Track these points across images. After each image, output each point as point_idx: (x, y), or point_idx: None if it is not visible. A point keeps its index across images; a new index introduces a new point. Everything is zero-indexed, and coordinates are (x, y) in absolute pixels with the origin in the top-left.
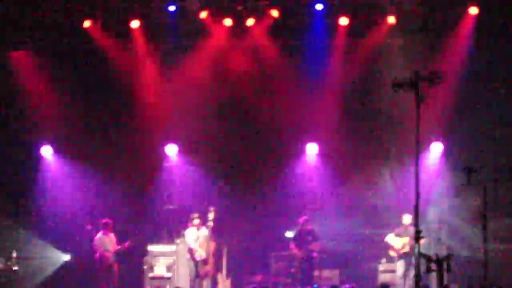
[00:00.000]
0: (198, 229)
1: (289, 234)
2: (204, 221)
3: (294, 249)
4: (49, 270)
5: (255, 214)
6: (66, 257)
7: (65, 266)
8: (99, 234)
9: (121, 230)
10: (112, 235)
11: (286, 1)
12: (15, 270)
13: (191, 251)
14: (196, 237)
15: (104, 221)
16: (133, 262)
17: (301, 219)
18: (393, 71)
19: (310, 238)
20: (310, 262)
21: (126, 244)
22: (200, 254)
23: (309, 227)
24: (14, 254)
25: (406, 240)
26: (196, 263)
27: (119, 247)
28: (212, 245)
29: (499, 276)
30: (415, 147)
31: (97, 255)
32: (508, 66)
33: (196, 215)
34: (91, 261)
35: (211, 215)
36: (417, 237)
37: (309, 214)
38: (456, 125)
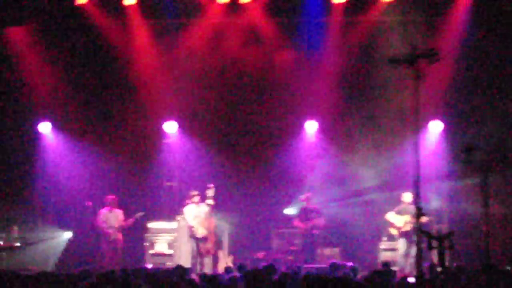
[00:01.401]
0: (198, 206)
1: (288, 211)
2: (203, 198)
3: (299, 224)
4: (52, 247)
5: (256, 190)
6: (68, 234)
7: (67, 243)
8: (104, 210)
9: (121, 207)
10: (118, 211)
11: None
12: (16, 247)
13: (190, 228)
14: (196, 214)
15: (109, 197)
16: (134, 239)
17: (304, 196)
18: (391, 48)
19: (313, 214)
20: (312, 240)
21: (133, 219)
22: (200, 231)
23: (312, 204)
24: (16, 231)
25: (407, 218)
26: (196, 240)
27: (124, 222)
28: (213, 222)
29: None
30: (414, 124)
31: (100, 231)
32: (506, 42)
33: (195, 192)
34: (92, 238)
35: (210, 192)
36: (418, 214)
37: (311, 192)
38: (455, 103)
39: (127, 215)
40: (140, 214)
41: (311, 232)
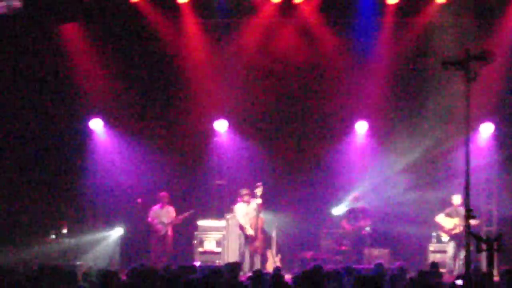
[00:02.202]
0: (247, 204)
1: (336, 211)
2: (253, 197)
3: (346, 225)
4: (103, 244)
5: (305, 190)
6: (119, 231)
7: (119, 240)
8: (156, 207)
9: (172, 204)
10: (169, 207)
11: None
12: (66, 244)
13: (241, 227)
14: (246, 212)
15: (161, 194)
16: (183, 236)
17: (352, 197)
18: (443, 50)
19: (360, 215)
20: (361, 240)
21: (183, 216)
22: (249, 231)
23: (360, 204)
24: (66, 227)
25: (456, 220)
26: (246, 238)
27: (176, 217)
28: (261, 221)
29: None
30: (465, 126)
31: (151, 227)
32: None
33: (245, 190)
34: (142, 234)
35: (258, 191)
36: (467, 216)
37: (360, 192)
38: (506, 105)
39: (177, 212)
40: (190, 212)
41: (359, 233)
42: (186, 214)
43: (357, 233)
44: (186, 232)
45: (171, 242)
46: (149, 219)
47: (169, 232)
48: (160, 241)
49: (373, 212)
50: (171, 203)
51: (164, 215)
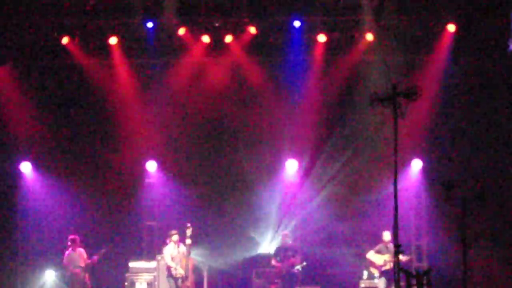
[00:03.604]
0: (177, 246)
1: (265, 249)
2: (183, 238)
3: (276, 264)
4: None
5: (236, 230)
6: (51, 273)
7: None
8: (68, 251)
9: (101, 245)
10: (81, 250)
11: (264, 18)
12: None
13: (169, 268)
14: (175, 254)
15: (70, 237)
16: (114, 278)
17: (281, 235)
18: (372, 87)
19: (290, 253)
20: (291, 278)
21: (97, 255)
22: (179, 271)
23: (289, 242)
24: None
25: (386, 257)
26: (175, 280)
27: (89, 260)
28: (191, 262)
29: None
30: (393, 162)
31: (68, 273)
32: (486, 82)
33: (174, 231)
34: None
35: (188, 232)
36: (396, 252)
37: (290, 230)
38: (435, 141)
39: (95, 253)
40: (103, 250)
41: (290, 271)
42: (100, 252)
43: (288, 271)
44: (117, 274)
45: (90, 284)
46: (64, 264)
47: (86, 275)
48: (80, 285)
49: (303, 250)
50: (93, 245)
51: (77, 258)
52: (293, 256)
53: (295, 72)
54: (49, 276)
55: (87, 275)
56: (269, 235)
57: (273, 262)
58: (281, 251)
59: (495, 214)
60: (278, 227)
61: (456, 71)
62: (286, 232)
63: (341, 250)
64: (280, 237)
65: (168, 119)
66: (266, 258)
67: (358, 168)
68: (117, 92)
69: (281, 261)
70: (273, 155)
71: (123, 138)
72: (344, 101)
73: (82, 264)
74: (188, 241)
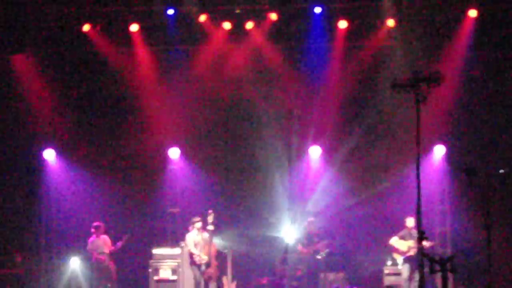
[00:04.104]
0: (199, 232)
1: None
2: (205, 224)
3: (302, 250)
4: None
5: (260, 216)
6: (75, 260)
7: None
8: (92, 238)
9: (124, 232)
10: (105, 236)
11: (285, 4)
12: (19, 273)
13: (191, 255)
14: (197, 240)
15: (95, 224)
16: (138, 265)
17: (307, 222)
18: (394, 73)
19: (316, 239)
20: (316, 265)
21: (121, 242)
22: (202, 257)
23: (314, 229)
24: (19, 257)
25: (410, 243)
26: (198, 266)
27: (113, 247)
28: (214, 248)
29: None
30: (416, 149)
31: (93, 259)
32: (508, 68)
33: (197, 218)
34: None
35: (210, 218)
36: (420, 238)
37: (314, 217)
38: (458, 127)
39: (115, 241)
40: (127, 237)
41: (314, 257)
42: (123, 240)
43: (313, 257)
44: (140, 261)
45: (114, 271)
46: (88, 251)
47: (111, 262)
48: (104, 271)
49: (327, 236)
50: (117, 232)
51: (101, 245)
52: (318, 242)
53: (316, 58)
54: (74, 263)
55: (112, 262)
56: (290, 221)
57: (299, 247)
58: (307, 237)
59: None
60: (300, 213)
61: (477, 56)
62: (311, 219)
63: (364, 236)
64: (305, 224)
65: (190, 106)
66: (290, 244)
67: (381, 154)
68: (138, 79)
69: (306, 247)
70: (296, 141)
71: (145, 125)
72: (365, 87)
73: (107, 251)
74: (210, 227)
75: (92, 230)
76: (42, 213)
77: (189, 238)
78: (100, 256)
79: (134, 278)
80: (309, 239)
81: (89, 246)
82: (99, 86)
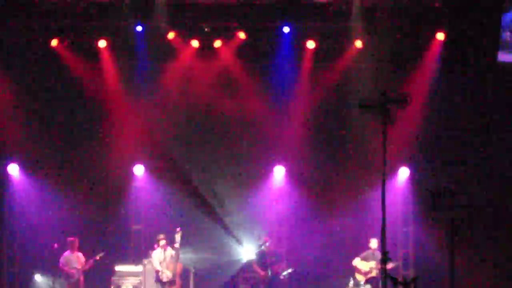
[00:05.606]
0: (164, 250)
1: (247, 257)
2: (170, 242)
3: (258, 270)
4: None
5: (222, 235)
6: (39, 278)
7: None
8: (66, 253)
9: (88, 249)
10: (79, 254)
11: (254, 23)
12: None
13: (157, 272)
14: (163, 258)
15: (69, 239)
16: (100, 282)
17: (263, 240)
18: (361, 94)
19: (273, 258)
20: (276, 284)
21: (97, 256)
22: (167, 275)
23: (272, 248)
24: None
25: (373, 264)
26: (162, 284)
27: (87, 261)
28: (179, 266)
29: None
30: (382, 170)
31: (63, 274)
32: (474, 91)
33: (162, 235)
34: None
35: (177, 236)
36: (384, 259)
37: (275, 236)
38: (423, 148)
39: (87, 257)
40: (100, 254)
41: (274, 278)
42: (96, 257)
43: (272, 277)
44: (102, 277)
45: (83, 284)
46: (60, 265)
47: (81, 277)
48: (73, 286)
49: (286, 255)
50: (81, 248)
51: (75, 260)
52: (276, 262)
53: (284, 78)
54: (38, 280)
55: (82, 278)
56: (253, 240)
57: (255, 267)
58: (262, 256)
59: (483, 221)
60: (263, 232)
61: (445, 78)
62: (266, 237)
63: (327, 256)
64: (260, 243)
65: (156, 123)
66: (251, 263)
67: (346, 175)
68: (105, 95)
69: (264, 267)
70: (261, 161)
71: (111, 141)
72: (333, 107)
73: (79, 266)
74: (177, 245)
75: (67, 245)
76: (5, 228)
77: (154, 255)
78: (71, 270)
79: None
80: (265, 258)
81: (61, 261)
82: (66, 101)
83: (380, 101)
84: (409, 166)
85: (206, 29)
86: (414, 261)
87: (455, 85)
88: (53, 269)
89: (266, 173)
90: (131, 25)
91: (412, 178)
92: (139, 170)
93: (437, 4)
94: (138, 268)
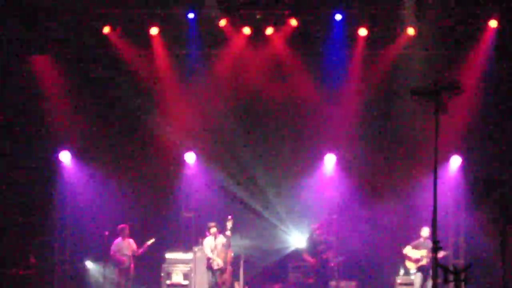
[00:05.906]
0: (215, 237)
1: (297, 245)
2: (222, 230)
3: (308, 259)
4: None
5: (274, 223)
6: (90, 264)
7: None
8: (117, 240)
9: (139, 236)
10: (130, 240)
11: (305, 11)
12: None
13: (208, 260)
14: (214, 246)
15: (120, 226)
16: (151, 269)
17: (313, 228)
18: (412, 82)
19: (322, 246)
20: (327, 273)
21: (147, 243)
22: (218, 263)
23: (322, 235)
24: (33, 260)
25: (424, 252)
26: (213, 272)
27: (138, 249)
28: (230, 254)
29: None
30: (434, 158)
31: (114, 260)
32: None
33: (213, 223)
34: (109, 266)
35: (229, 224)
36: (435, 248)
37: (327, 224)
38: (476, 138)
39: (138, 244)
40: (151, 240)
41: (325, 265)
42: (147, 243)
43: (323, 265)
44: (153, 264)
45: (133, 274)
46: (112, 252)
47: (132, 265)
48: (123, 273)
49: (336, 243)
50: (133, 235)
51: (126, 247)
52: (325, 251)
53: (335, 65)
54: (89, 267)
55: (132, 265)
56: (303, 228)
57: (305, 256)
58: (313, 245)
59: None
60: (313, 220)
61: (498, 67)
62: (315, 225)
63: (377, 244)
64: (310, 231)
65: (208, 111)
66: (301, 252)
67: (396, 163)
68: (157, 82)
69: (314, 255)
70: (313, 149)
71: (163, 128)
72: (384, 95)
73: (129, 253)
74: (228, 233)
75: (118, 232)
76: (56, 216)
77: (206, 243)
78: (122, 257)
79: (147, 281)
80: (315, 247)
81: (113, 248)
82: (118, 89)
83: (433, 88)
84: (461, 155)
85: (258, 16)
86: (465, 250)
87: (508, 73)
88: (104, 256)
89: (317, 161)
90: (183, 12)
91: (464, 166)
92: (190, 157)
93: None
94: (189, 255)
